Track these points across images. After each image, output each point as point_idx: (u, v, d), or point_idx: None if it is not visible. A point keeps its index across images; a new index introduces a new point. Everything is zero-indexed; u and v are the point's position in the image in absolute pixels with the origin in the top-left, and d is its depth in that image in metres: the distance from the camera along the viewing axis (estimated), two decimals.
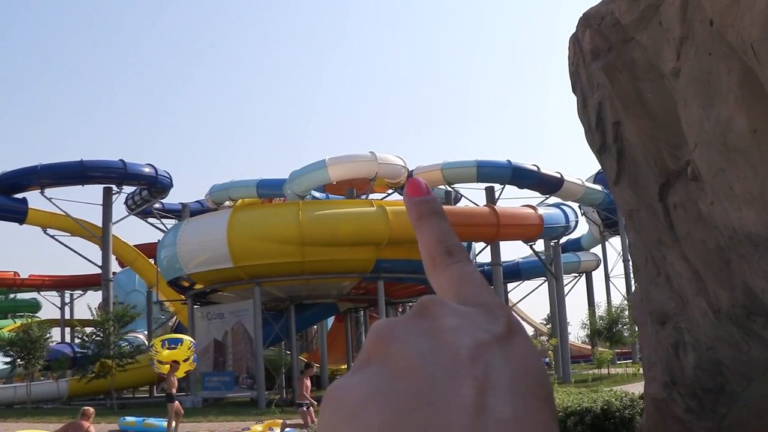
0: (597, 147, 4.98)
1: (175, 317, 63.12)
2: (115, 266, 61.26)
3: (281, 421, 26.28)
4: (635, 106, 4.25)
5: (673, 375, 5.90)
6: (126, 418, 31.34)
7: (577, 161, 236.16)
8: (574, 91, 4.93)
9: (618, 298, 68.80)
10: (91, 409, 19.53)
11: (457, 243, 0.89)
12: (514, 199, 65.83)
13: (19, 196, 54.54)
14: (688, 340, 5.35)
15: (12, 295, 76.74)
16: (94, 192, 61.95)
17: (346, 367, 58.19)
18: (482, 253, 54.38)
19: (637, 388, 15.96)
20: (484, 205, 49.21)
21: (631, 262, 6.32)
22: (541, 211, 49.97)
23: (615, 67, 4.34)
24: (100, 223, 55.86)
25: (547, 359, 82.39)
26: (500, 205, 49.28)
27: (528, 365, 0.74)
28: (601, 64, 4.42)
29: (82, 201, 74.92)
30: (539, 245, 54.46)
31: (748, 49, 2.71)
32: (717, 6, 2.85)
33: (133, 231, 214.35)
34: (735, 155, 3.14)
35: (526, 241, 51.13)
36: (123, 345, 46.67)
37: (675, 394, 6.03)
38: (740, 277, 3.79)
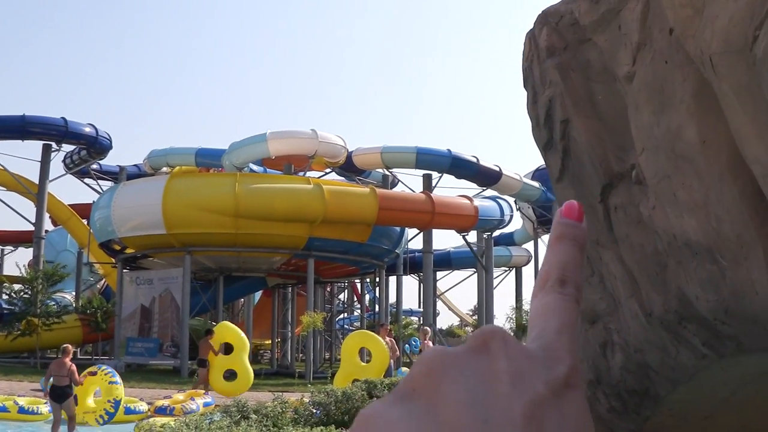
0: (543, 143, 5.04)
1: (103, 280, 62.75)
2: (48, 225, 60.75)
3: (203, 391, 26.30)
4: (585, 106, 4.31)
5: (598, 374, 5.97)
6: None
7: (515, 157, 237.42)
8: (525, 86, 4.98)
9: None
10: (71, 347, 20.16)
11: (577, 278, 0.89)
12: (450, 188, 66.10)
13: None
14: (616, 340, 5.42)
15: None
16: (32, 148, 61.37)
17: (269, 342, 58.25)
18: (414, 240, 54.67)
19: None
20: (421, 192, 49.34)
21: None
22: (476, 202, 50.20)
23: (569, 67, 4.39)
24: (36, 180, 55.34)
25: None
26: (437, 193, 49.41)
27: (580, 428, 0.73)
28: (556, 62, 4.47)
29: (20, 156, 73.95)
30: (472, 236, 54.72)
31: (706, 61, 2.77)
32: (679, 16, 2.90)
33: (68, 190, 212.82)
34: (682, 163, 3.20)
35: (459, 231, 51.37)
36: (50, 304, 46.39)
37: (599, 393, 6.10)
38: (675, 282, 3.86)
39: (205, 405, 24.29)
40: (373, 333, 26.01)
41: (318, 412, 14.33)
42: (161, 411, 22.69)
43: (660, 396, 5.24)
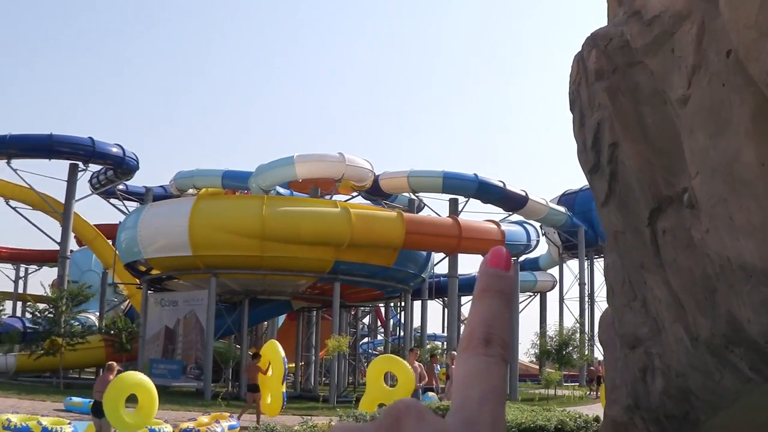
0: (589, 167, 5.02)
1: (127, 301, 62.83)
2: (72, 244, 60.89)
3: (228, 414, 26.25)
4: (634, 130, 4.29)
5: (637, 399, 5.94)
6: (72, 398, 31.21)
7: (542, 182, 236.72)
8: (571, 109, 4.97)
9: (570, 320, 69.16)
10: (115, 364, 20.66)
11: (503, 335, 0.86)
12: (477, 212, 66.03)
13: None
14: (657, 365, 5.39)
15: None
16: (59, 167, 61.49)
17: (293, 365, 58.18)
18: (440, 264, 54.55)
19: (588, 411, 16.05)
20: (448, 216, 49.28)
21: (605, 285, 6.36)
22: (503, 227, 50.12)
23: (618, 89, 4.38)
24: (62, 199, 55.53)
25: None
26: (463, 217, 49.33)
27: None
28: (605, 85, 4.46)
29: (47, 175, 74.15)
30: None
31: None
32: (743, 39, 2.89)
33: (94, 210, 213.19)
34: (739, 186, 3.19)
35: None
36: (74, 324, 46.43)
37: (637, 418, 6.07)
38: (725, 306, 3.83)
39: (230, 428, 24.25)
40: (398, 357, 25.93)
41: None
42: None
43: (700, 421, 5.22)
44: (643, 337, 5.53)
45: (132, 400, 19.98)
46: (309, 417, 16.16)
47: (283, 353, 26.92)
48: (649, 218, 4.37)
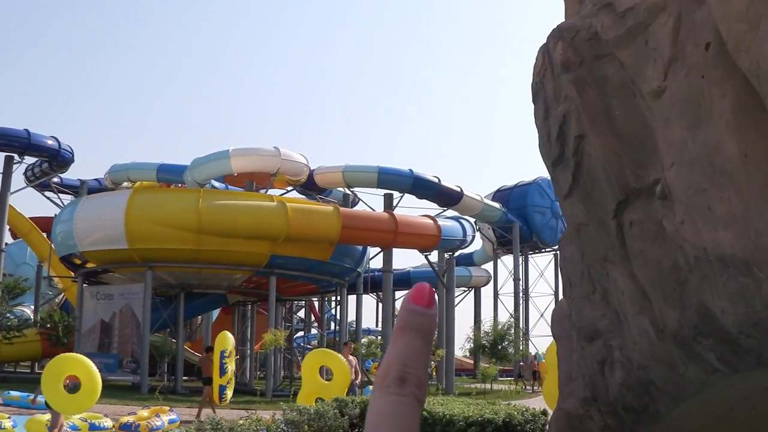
0: (552, 158, 5.03)
1: (62, 294, 62.31)
2: (6, 237, 60.26)
3: (167, 408, 26.08)
4: (602, 122, 4.30)
5: (595, 392, 5.95)
6: (11, 392, 30.89)
7: (476, 178, 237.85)
8: (534, 101, 4.97)
9: (505, 315, 69.55)
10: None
11: (419, 374, 0.85)
12: (411, 208, 66.16)
13: None
14: (617, 357, 5.41)
15: None
16: None
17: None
18: (375, 259, 54.67)
19: (528, 404, 16.12)
20: (384, 211, 49.35)
21: (562, 277, 6.35)
22: (439, 222, 50.27)
23: (585, 82, 4.39)
24: None
25: (428, 370, 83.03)
26: (397, 212, 49.41)
27: None
28: (572, 77, 4.46)
29: None
30: (433, 256, 54.70)
31: (762, 75, 2.77)
32: (732, 30, 2.91)
33: (28, 203, 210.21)
34: (720, 177, 3.20)
35: (422, 251, 51.41)
36: (10, 317, 45.96)
37: (593, 410, 6.08)
38: (696, 297, 3.86)
39: (171, 422, 24.11)
40: (333, 351, 25.95)
41: (289, 430, 14.24)
42: (126, 428, 22.48)
43: (660, 413, 5.24)
44: (602, 330, 5.55)
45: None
46: (253, 411, 16.10)
47: (230, 345, 26.77)
48: (615, 210, 4.39)
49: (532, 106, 5.36)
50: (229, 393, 26.92)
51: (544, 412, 14.50)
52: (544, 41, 4.89)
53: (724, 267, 3.37)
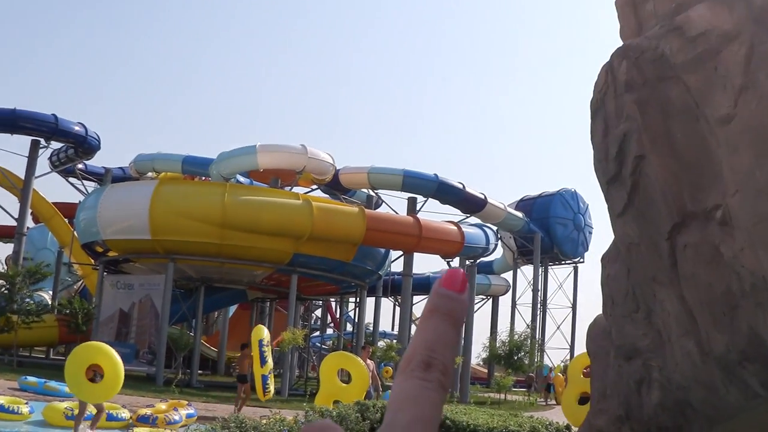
0: (609, 177, 5.05)
1: (81, 281, 62.45)
2: (28, 221, 60.37)
3: (185, 402, 26.06)
4: (663, 144, 4.32)
5: (629, 410, 5.97)
6: (27, 377, 30.94)
7: (500, 186, 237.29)
8: (593, 118, 4.99)
9: (522, 326, 69.33)
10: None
11: (445, 360, 0.82)
12: (435, 213, 66.08)
13: None
14: (656, 377, 5.42)
15: None
16: (20, 143, 60.84)
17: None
18: (395, 262, 54.57)
19: (546, 417, 16.08)
20: (409, 215, 49.31)
21: (603, 295, 6.38)
22: (463, 229, 50.23)
23: (648, 102, 4.41)
24: (22, 175, 55.13)
25: None
26: (420, 217, 49.33)
27: None
28: (634, 96, 4.49)
29: (7, 150, 72.98)
30: (455, 263, 54.60)
31: None
32: None
33: (52, 188, 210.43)
34: None
35: (444, 257, 51.36)
36: (30, 302, 45.99)
37: (626, 428, 6.11)
38: (747, 323, 3.88)
39: (188, 416, 24.08)
40: (352, 354, 25.85)
41: None
42: (144, 420, 22.46)
43: None
44: (642, 349, 5.57)
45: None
46: (277, 411, 16.08)
47: (265, 337, 26.57)
48: (669, 232, 4.40)
49: (589, 122, 5.38)
50: (272, 386, 26.80)
51: (568, 427, 14.45)
52: (608, 59, 4.93)
53: None
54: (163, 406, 24.81)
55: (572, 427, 15.70)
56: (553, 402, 54.68)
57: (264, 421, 12.97)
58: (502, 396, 51.86)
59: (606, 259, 6.27)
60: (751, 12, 3.47)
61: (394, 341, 51.31)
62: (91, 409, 19.96)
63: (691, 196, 4.13)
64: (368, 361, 26.01)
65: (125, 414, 22.74)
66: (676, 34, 4.10)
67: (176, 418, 22.92)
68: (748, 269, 3.58)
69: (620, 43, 5.10)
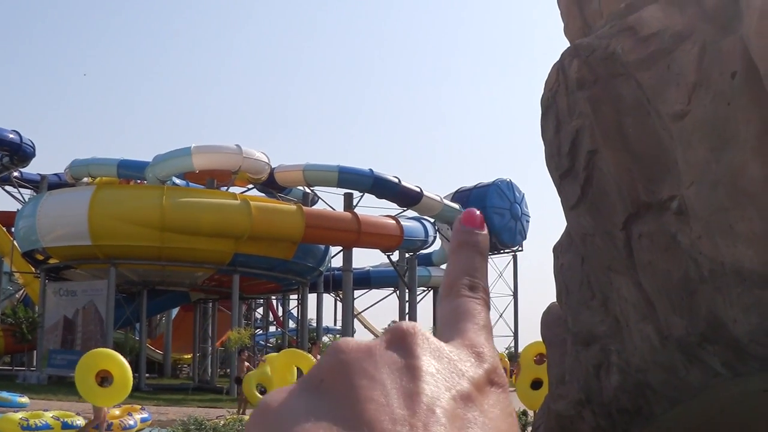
0: (561, 171, 5.19)
1: (23, 290, 61.91)
2: None
3: (139, 406, 25.93)
4: (615, 138, 4.48)
5: (589, 394, 6.12)
6: None
7: (436, 179, 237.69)
8: (544, 115, 5.15)
9: None
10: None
11: (485, 286, 0.85)
12: (371, 207, 66.25)
13: None
14: (614, 361, 5.58)
15: None
16: None
17: (190, 356, 57.74)
18: (335, 258, 54.69)
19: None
20: (347, 211, 49.42)
21: (557, 284, 6.54)
22: (402, 222, 50.43)
23: (600, 99, 4.56)
24: None
25: None
26: (360, 212, 49.48)
27: (503, 428, 0.70)
28: (587, 94, 4.63)
29: None
30: (394, 256, 54.79)
31: None
32: None
33: None
34: (743, 197, 3.39)
35: (384, 251, 51.51)
36: None
37: (586, 412, 6.25)
38: (706, 307, 4.04)
39: (143, 420, 24.04)
40: (303, 352, 25.91)
41: None
42: (97, 427, 22.42)
43: (654, 415, 5.46)
44: (600, 335, 5.72)
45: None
46: (235, 410, 16.13)
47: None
48: (624, 222, 4.56)
49: (540, 119, 5.56)
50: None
51: (524, 413, 14.62)
52: (558, 57, 5.10)
53: (740, 280, 3.59)
54: (116, 411, 24.67)
55: (528, 411, 15.94)
56: None
57: (222, 422, 13.05)
58: None
59: (558, 249, 6.44)
60: (703, 12, 3.65)
61: (338, 336, 51.40)
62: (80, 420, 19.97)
63: (644, 188, 4.30)
64: (319, 356, 26.05)
65: (80, 421, 22.63)
66: (627, 33, 4.26)
67: (131, 423, 22.88)
68: (707, 256, 3.76)
69: (550, 38, 5.26)
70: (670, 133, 4.03)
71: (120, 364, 18.60)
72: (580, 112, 4.78)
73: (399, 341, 0.72)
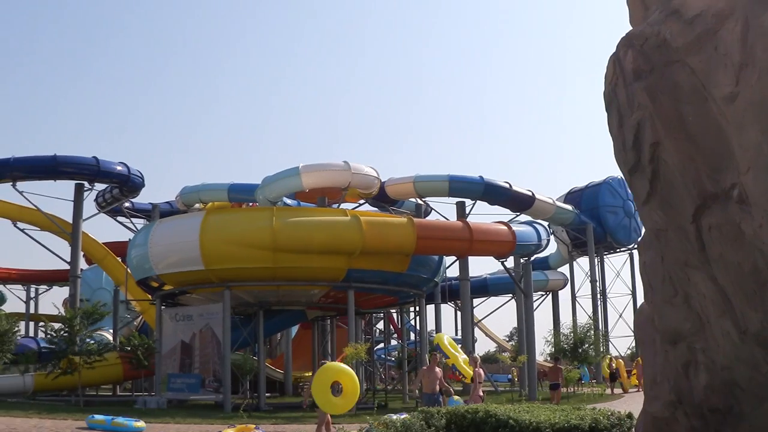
0: (629, 166, 5.03)
1: (140, 317, 62.81)
2: (82, 263, 60.72)
3: (253, 426, 26.06)
4: (676, 128, 4.31)
5: (680, 394, 5.93)
6: (95, 416, 31.09)
7: (548, 181, 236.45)
8: (608, 109, 4.98)
9: (584, 317, 69.01)
10: None
11: None
12: (484, 214, 66.10)
13: None
14: (701, 360, 5.40)
15: None
16: (65, 187, 61.45)
17: (311, 374, 57.94)
18: (451, 268, 54.44)
19: (615, 407, 16.02)
20: (458, 220, 49.20)
21: (642, 283, 6.34)
22: (514, 227, 50.03)
23: (657, 89, 4.40)
24: (70, 219, 55.55)
25: (509, 376, 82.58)
26: (470, 219, 49.18)
27: None
28: (644, 84, 4.48)
29: (53, 196, 74.08)
30: (509, 262, 54.45)
31: None
32: None
33: (101, 228, 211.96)
34: None
35: (498, 258, 51.14)
36: (90, 342, 46.24)
37: (679, 413, 6.06)
38: None
39: None
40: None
41: None
42: None
43: (744, 413, 5.24)
44: (685, 333, 5.54)
45: None
46: (342, 426, 16.15)
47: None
48: (693, 215, 4.39)
49: (605, 114, 5.38)
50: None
51: (630, 416, 14.38)
52: (614, 50, 4.92)
53: None
54: (231, 431, 24.84)
55: (634, 415, 15.61)
56: (620, 390, 54.35)
57: None
58: (570, 389, 51.48)
59: (641, 246, 6.27)
60: None
61: (459, 345, 51.13)
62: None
63: (709, 177, 4.12)
64: (436, 369, 25.83)
65: None
66: (674, 17, 4.10)
67: None
68: None
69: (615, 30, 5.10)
70: (726, 118, 3.84)
71: (350, 377, 20.02)
72: (639, 104, 4.61)
73: None
